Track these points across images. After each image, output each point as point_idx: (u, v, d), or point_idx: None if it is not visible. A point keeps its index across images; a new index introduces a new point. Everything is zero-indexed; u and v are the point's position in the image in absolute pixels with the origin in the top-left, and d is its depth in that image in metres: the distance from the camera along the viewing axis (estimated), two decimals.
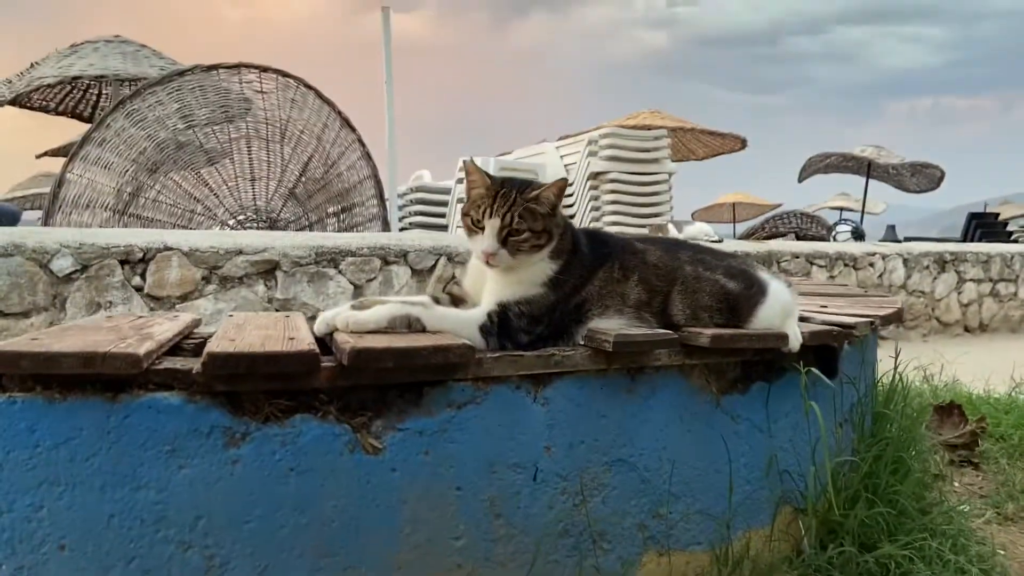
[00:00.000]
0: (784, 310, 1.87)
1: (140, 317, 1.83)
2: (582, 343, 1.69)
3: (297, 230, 6.23)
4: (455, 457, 1.52)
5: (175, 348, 1.57)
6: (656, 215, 7.51)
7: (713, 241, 6.58)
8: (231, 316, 1.91)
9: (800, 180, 14.50)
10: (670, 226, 6.89)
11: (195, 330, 1.79)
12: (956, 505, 2.47)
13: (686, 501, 1.79)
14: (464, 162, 1.67)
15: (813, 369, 1.89)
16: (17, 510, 1.31)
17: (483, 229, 1.62)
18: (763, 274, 1.93)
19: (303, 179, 6.31)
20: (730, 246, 6.35)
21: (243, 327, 1.66)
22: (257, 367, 1.34)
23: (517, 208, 1.60)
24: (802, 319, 2.09)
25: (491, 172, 6.07)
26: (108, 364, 1.27)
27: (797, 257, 6.64)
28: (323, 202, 6.41)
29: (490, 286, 1.67)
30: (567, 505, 1.64)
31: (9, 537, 1.32)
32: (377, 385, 1.46)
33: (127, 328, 1.60)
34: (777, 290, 1.89)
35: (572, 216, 7.70)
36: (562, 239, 1.68)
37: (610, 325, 1.70)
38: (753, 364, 1.91)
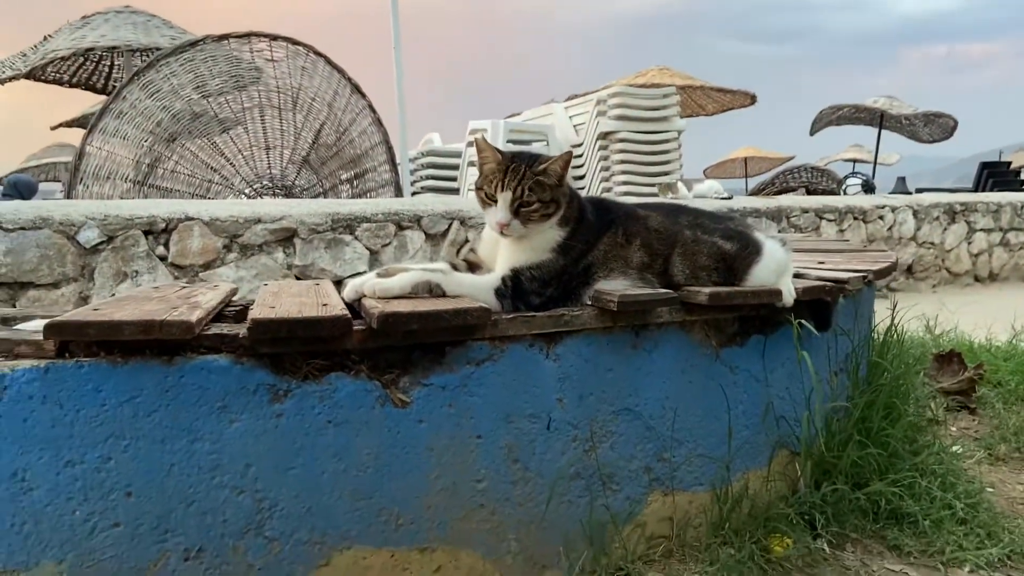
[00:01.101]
0: (778, 268, 2.01)
1: (184, 287, 1.99)
2: (589, 303, 1.83)
3: (312, 197, 6.38)
4: (475, 409, 1.69)
5: (219, 315, 1.73)
6: (666, 173, 7.59)
7: (723, 198, 6.66)
8: (267, 285, 2.07)
9: (812, 133, 14.46)
10: (680, 184, 6.97)
11: (233, 299, 1.96)
12: (949, 447, 2.63)
13: (688, 446, 1.95)
14: (476, 140, 1.80)
15: (803, 322, 2.03)
16: (88, 462, 1.48)
17: (496, 202, 1.76)
18: (759, 235, 2.06)
19: (316, 146, 6.44)
20: (739, 203, 6.44)
21: (279, 295, 1.82)
22: (296, 331, 1.49)
23: (527, 181, 1.74)
24: (798, 275, 2.23)
25: (500, 135, 6.14)
26: (165, 330, 1.43)
27: (807, 212, 6.72)
28: (336, 169, 6.55)
29: (504, 253, 1.82)
30: (578, 451, 1.81)
31: (82, 486, 1.49)
32: (403, 346, 1.62)
33: (175, 298, 1.76)
34: (771, 249, 2.02)
35: (583, 176, 7.79)
36: (569, 207, 1.82)
37: (615, 286, 1.84)
38: (750, 319, 2.05)
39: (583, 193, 6.51)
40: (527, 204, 1.75)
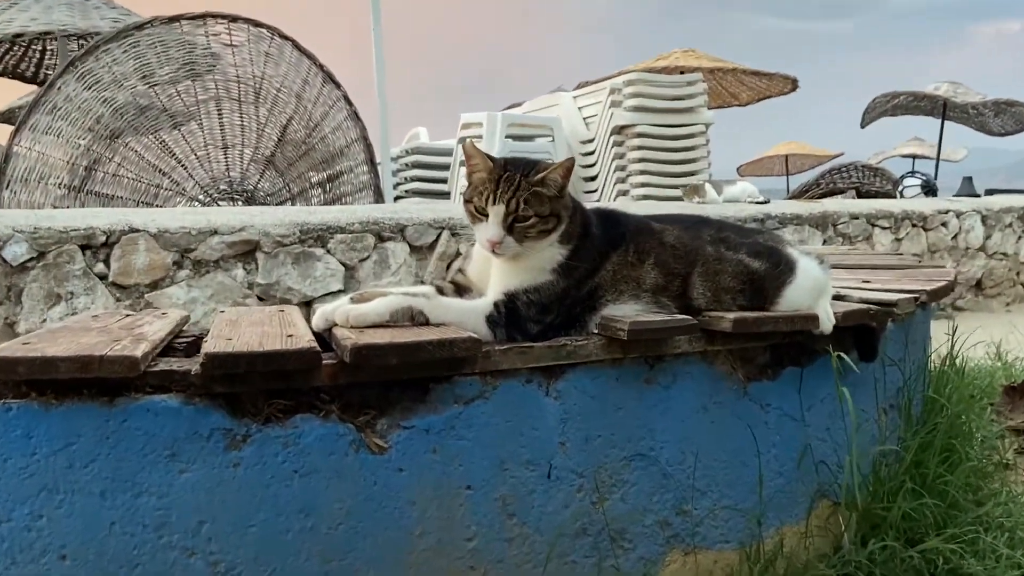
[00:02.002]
0: (814, 289, 2.05)
1: (128, 315, 2.03)
2: (596, 332, 1.87)
3: (277, 204, 6.43)
4: (464, 455, 1.72)
5: (167, 348, 1.77)
6: (692, 174, 7.63)
7: (758, 202, 6.69)
8: (223, 312, 2.10)
9: (864, 125, 14.53)
10: (708, 187, 7.00)
11: (184, 328, 1.99)
12: (1019, 496, 2.65)
13: (712, 496, 1.98)
14: (463, 145, 1.84)
15: (841, 354, 2.06)
16: (16, 519, 1.51)
17: (487, 216, 1.80)
18: (792, 251, 2.10)
19: (282, 145, 6.50)
20: (778, 208, 6.48)
21: (237, 324, 1.85)
22: (257, 366, 1.53)
23: (522, 192, 1.78)
24: (838, 297, 2.27)
25: (498, 129, 6.19)
26: (106, 367, 1.47)
27: (856, 218, 6.75)
28: (306, 170, 6.60)
29: (496, 274, 1.86)
30: (584, 503, 1.83)
31: (9, 547, 1.52)
32: (380, 382, 1.65)
33: (117, 328, 1.80)
34: (807, 268, 2.06)
35: (594, 178, 7.84)
36: (571, 222, 1.86)
37: (625, 312, 1.88)
38: (783, 348, 2.09)
39: (595, 198, 6.50)
40: (523, 219, 1.79)
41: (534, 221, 1.79)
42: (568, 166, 1.82)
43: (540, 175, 1.80)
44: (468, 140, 1.89)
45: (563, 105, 8.37)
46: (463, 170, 7.72)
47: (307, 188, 6.56)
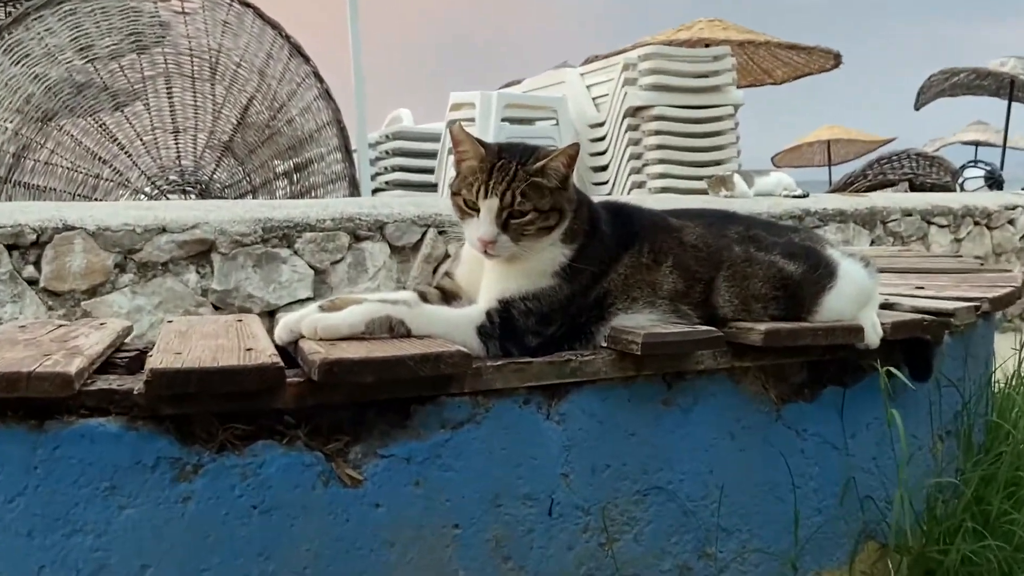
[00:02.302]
0: (859, 296, 2.06)
1: (61, 326, 2.03)
2: (604, 345, 1.88)
3: (236, 197, 6.42)
4: (452, 488, 1.72)
5: (107, 364, 1.77)
6: (718, 163, 7.64)
7: (796, 196, 6.70)
8: (171, 322, 2.11)
9: (918, 107, 14.54)
10: (737, 178, 7.00)
11: (126, 340, 2.00)
12: None
13: (740, 537, 1.99)
14: (451, 128, 1.85)
15: (892, 369, 2.07)
16: None
17: (478, 211, 1.80)
18: (833, 252, 2.11)
19: (242, 128, 6.50)
20: (819, 202, 6.48)
21: (187, 336, 1.85)
22: (210, 385, 1.53)
23: (519, 183, 1.79)
24: (887, 306, 2.27)
25: (493, 111, 6.21)
26: (34, 386, 1.47)
27: (910, 215, 6.76)
28: (270, 158, 6.60)
29: (489, 278, 1.86)
30: (591, 544, 1.84)
31: None
32: (354, 403, 1.65)
33: (48, 341, 1.80)
34: (849, 272, 2.07)
35: (604, 167, 7.84)
36: (576, 217, 1.87)
37: (639, 322, 1.88)
38: (823, 365, 2.10)
39: (605, 190, 6.51)
40: (519, 214, 1.79)
41: (533, 217, 1.80)
42: (572, 153, 1.82)
43: (540, 163, 1.81)
44: (457, 123, 1.90)
45: (569, 83, 8.38)
46: (452, 158, 7.69)
47: (271, 179, 6.57)
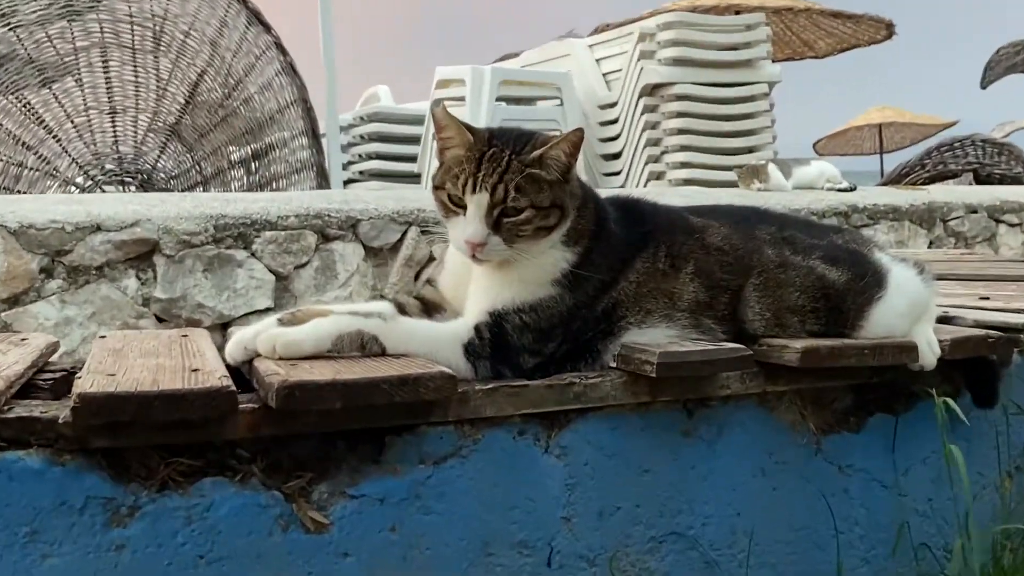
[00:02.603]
0: (912, 308, 2.05)
1: None
2: (614, 365, 1.86)
3: (184, 189, 6.40)
4: (433, 534, 1.70)
5: (27, 387, 1.76)
6: (750, 151, 7.64)
7: (840, 189, 6.69)
8: (104, 338, 2.09)
9: (984, 85, 14.55)
10: (772, 168, 7.00)
11: (51, 359, 1.98)
12: None
13: None
14: (433, 110, 1.84)
15: (948, 400, 2.06)
16: None
17: (465, 208, 1.79)
18: (882, 256, 2.10)
19: (191, 109, 6.48)
20: (867, 197, 6.47)
21: (123, 354, 1.84)
22: (149, 413, 1.51)
23: (513, 176, 1.77)
24: (946, 320, 2.26)
25: (486, 89, 6.18)
26: None
27: (975, 212, 6.73)
28: (223, 143, 6.58)
29: (478, 287, 1.85)
30: None
31: None
32: (319, 434, 1.64)
33: None
34: (901, 280, 2.06)
35: (617, 155, 7.84)
36: (580, 216, 1.86)
37: (654, 338, 1.87)
38: (871, 389, 2.09)
39: (617, 182, 6.48)
40: (513, 211, 1.78)
41: (529, 215, 1.78)
42: (576, 140, 1.81)
43: (538, 152, 1.80)
44: (441, 104, 1.89)
45: (575, 56, 8.38)
46: (437, 144, 7.67)
47: (225, 168, 6.54)
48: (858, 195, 6.49)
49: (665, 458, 1.88)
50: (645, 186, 7.39)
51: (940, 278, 2.31)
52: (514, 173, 1.78)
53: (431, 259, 4.80)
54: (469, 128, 1.84)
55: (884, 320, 2.02)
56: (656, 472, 1.88)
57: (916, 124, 17.01)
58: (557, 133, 1.84)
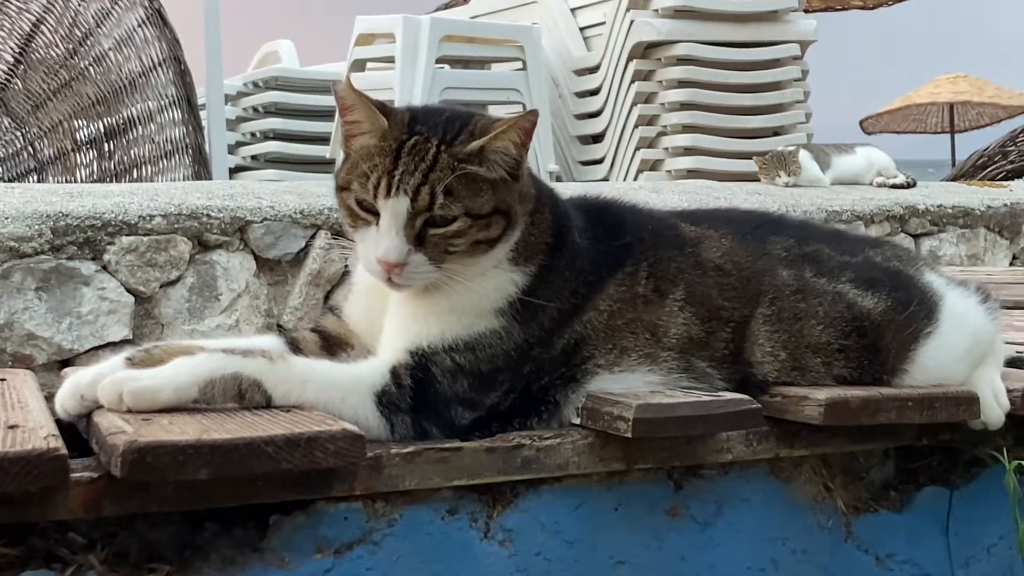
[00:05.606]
0: (972, 347, 2.09)
1: None
2: (577, 422, 1.89)
3: (12, 178, 6.38)
4: None
5: None
6: (776, 133, 7.68)
7: (895, 185, 6.74)
8: None
9: None
10: (804, 155, 7.04)
11: None
12: None
13: None
14: (335, 86, 1.85)
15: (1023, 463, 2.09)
16: None
17: (377, 217, 1.81)
18: (933, 278, 2.13)
19: (23, 70, 6.46)
20: (929, 195, 6.51)
21: None
22: None
23: (442, 174, 1.79)
24: (1017, 363, 2.29)
25: (423, 47, 6.25)
26: None
27: None
28: (67, 117, 6.57)
29: (397, 319, 1.88)
30: None
31: None
32: (181, 513, 1.65)
33: None
34: (959, 310, 2.10)
35: (600, 135, 7.86)
36: (534, 224, 1.89)
37: (631, 385, 1.90)
38: (919, 454, 2.12)
39: (600, 173, 6.52)
40: (442, 221, 1.80)
41: (463, 225, 1.81)
42: (527, 126, 1.82)
43: (476, 143, 1.82)
44: (346, 79, 1.92)
45: (544, 4, 8.41)
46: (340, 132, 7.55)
47: (69, 150, 6.53)
48: (918, 193, 6.51)
49: (646, 545, 1.90)
50: (635, 179, 7.37)
51: (1013, 307, 2.34)
52: (443, 171, 1.79)
53: (347, 271, 4.79)
54: (383, 109, 1.85)
55: (935, 363, 2.05)
56: (634, 565, 1.89)
57: (995, 104, 17.00)
58: (519, 109, 1.85)
